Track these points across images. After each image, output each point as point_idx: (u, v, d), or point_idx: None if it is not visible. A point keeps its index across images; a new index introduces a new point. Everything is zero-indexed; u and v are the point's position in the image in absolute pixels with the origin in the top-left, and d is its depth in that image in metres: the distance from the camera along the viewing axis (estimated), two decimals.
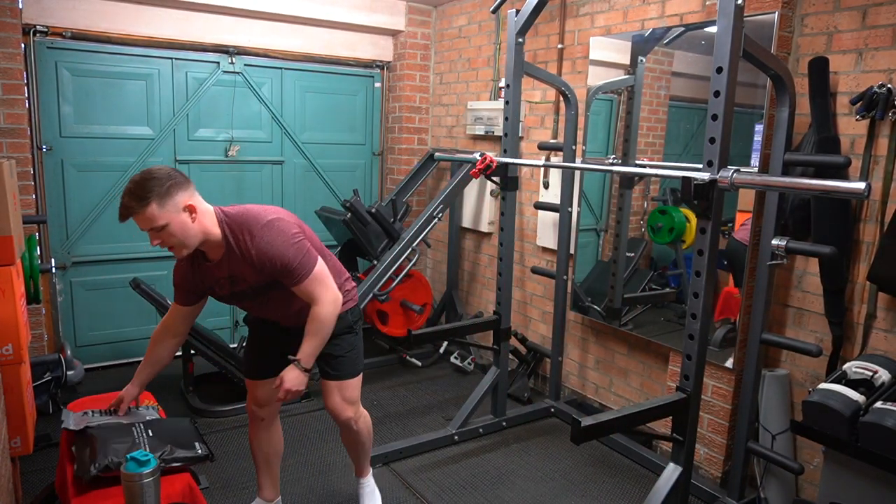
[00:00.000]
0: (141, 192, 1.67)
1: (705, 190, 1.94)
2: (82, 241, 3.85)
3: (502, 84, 3.40)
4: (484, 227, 4.33)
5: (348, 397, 2.19)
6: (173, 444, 1.89)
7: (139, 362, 2.15)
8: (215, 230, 1.84)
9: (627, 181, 3.29)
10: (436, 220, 3.81)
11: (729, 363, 2.68)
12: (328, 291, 1.94)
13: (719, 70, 1.91)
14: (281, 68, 4.33)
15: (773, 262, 2.30)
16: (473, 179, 3.82)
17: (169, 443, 1.89)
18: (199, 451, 1.93)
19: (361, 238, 3.77)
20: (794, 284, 2.58)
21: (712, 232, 1.99)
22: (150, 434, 1.92)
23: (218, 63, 4.10)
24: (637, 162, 3.20)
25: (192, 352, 3.41)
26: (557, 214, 3.43)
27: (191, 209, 1.76)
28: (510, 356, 3.61)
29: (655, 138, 3.21)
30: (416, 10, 4.60)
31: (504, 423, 3.34)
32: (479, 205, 4.34)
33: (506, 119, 3.02)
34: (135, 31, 3.79)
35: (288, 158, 4.48)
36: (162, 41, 3.89)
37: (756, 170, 2.52)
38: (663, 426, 2.81)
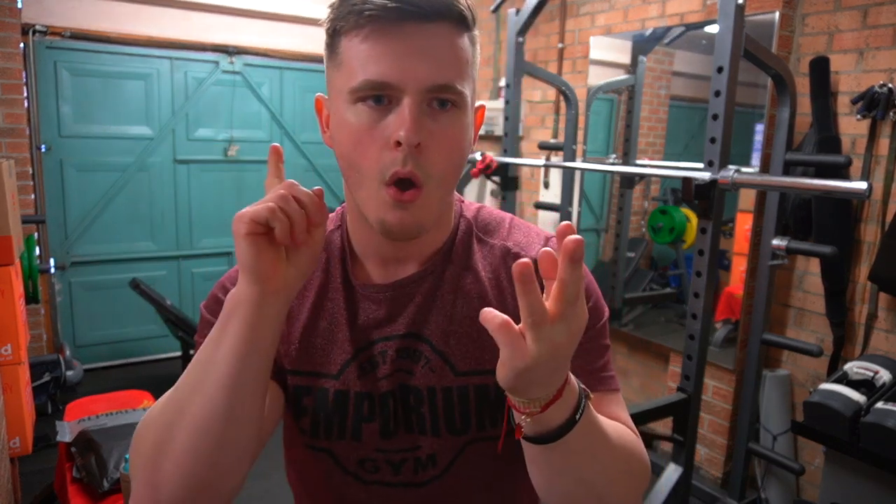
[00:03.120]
0: (467, 4, 0.70)
1: (706, 190, 1.93)
2: (81, 242, 3.85)
3: (502, 84, 3.40)
4: None
5: None
6: None
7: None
8: (453, 205, 0.84)
9: (628, 181, 3.29)
10: None
11: (730, 363, 2.68)
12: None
13: (720, 70, 1.91)
14: (281, 68, 4.33)
15: (774, 262, 2.30)
16: (473, 179, 3.81)
17: None
18: None
19: None
20: (794, 285, 2.57)
21: (713, 232, 1.99)
22: None
23: (217, 63, 4.09)
24: (637, 162, 3.19)
25: (192, 352, 3.40)
26: (557, 214, 3.42)
27: (481, 113, 0.80)
28: None
29: (656, 138, 3.21)
30: None
31: None
32: None
33: (506, 119, 3.01)
34: (134, 31, 3.79)
35: (287, 158, 4.46)
36: (161, 41, 3.88)
37: (757, 169, 2.52)
38: (663, 426, 2.80)
